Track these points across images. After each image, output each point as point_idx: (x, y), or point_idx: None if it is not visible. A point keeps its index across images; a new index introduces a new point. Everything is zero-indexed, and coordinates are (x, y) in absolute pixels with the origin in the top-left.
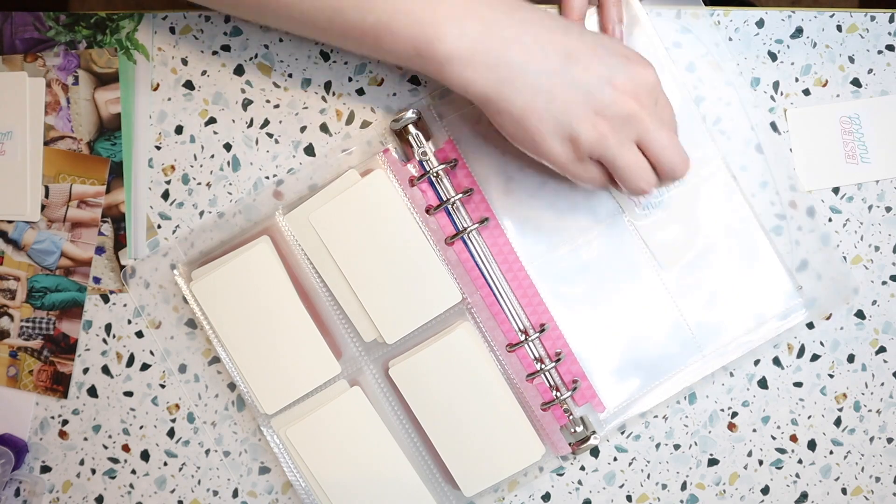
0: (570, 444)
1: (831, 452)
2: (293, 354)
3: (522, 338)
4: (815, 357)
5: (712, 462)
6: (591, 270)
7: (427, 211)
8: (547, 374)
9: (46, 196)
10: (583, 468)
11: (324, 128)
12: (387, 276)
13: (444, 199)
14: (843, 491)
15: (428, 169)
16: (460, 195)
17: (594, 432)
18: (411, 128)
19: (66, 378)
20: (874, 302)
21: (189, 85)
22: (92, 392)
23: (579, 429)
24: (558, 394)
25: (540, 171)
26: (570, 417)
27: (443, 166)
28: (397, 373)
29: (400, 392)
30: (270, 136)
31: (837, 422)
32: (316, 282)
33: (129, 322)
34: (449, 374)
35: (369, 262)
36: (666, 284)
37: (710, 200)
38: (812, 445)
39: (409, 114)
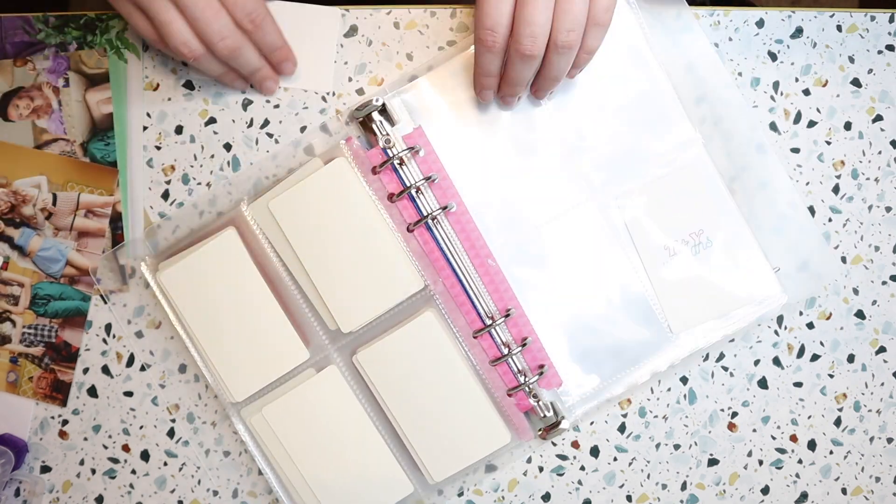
0: (540, 430)
1: (831, 452)
2: (261, 342)
3: (488, 322)
4: (815, 357)
5: (712, 462)
6: (563, 255)
7: (389, 198)
8: (513, 359)
9: (54, 204)
10: (583, 468)
11: (324, 128)
12: (346, 264)
13: (407, 185)
14: (843, 491)
15: (391, 156)
16: (422, 180)
17: (563, 417)
18: (375, 115)
19: (66, 386)
20: (874, 302)
21: (189, 85)
22: (92, 392)
23: (549, 414)
24: (524, 379)
25: (509, 156)
26: (539, 403)
27: (405, 151)
28: (362, 359)
29: (366, 383)
30: (270, 136)
31: (837, 422)
32: (282, 271)
33: (129, 322)
34: (413, 361)
35: (328, 250)
36: (637, 267)
37: (689, 185)
38: (812, 445)
39: (374, 102)
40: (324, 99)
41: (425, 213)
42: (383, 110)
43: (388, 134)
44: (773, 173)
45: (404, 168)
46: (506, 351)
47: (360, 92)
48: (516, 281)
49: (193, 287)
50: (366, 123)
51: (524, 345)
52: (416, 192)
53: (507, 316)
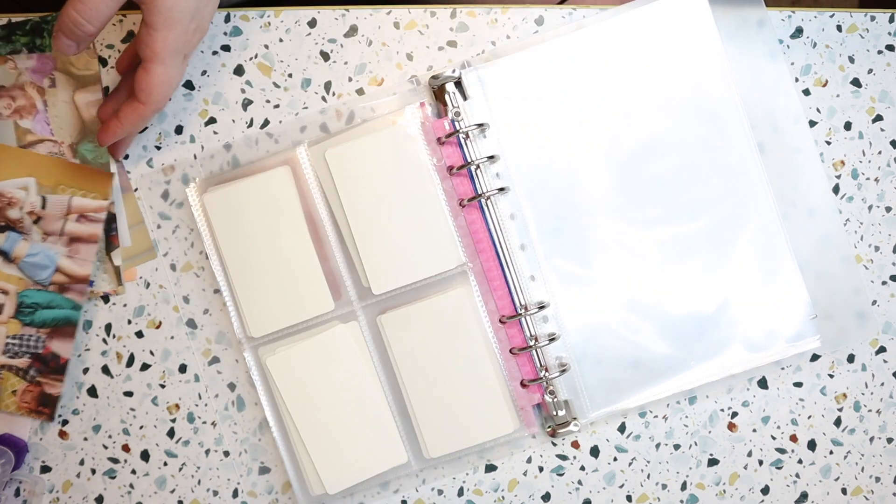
0: (549, 427)
1: (831, 452)
2: (290, 284)
3: (522, 312)
4: (815, 357)
5: (712, 462)
6: (612, 260)
7: (448, 170)
8: (538, 352)
9: (43, 207)
10: (583, 468)
11: (324, 128)
12: (390, 226)
13: (469, 160)
14: (843, 491)
15: (458, 128)
16: (483, 159)
17: (575, 418)
18: (449, 86)
19: (54, 400)
20: (874, 302)
21: (189, 85)
22: (92, 392)
23: (561, 412)
24: (546, 374)
25: (575, 154)
26: (555, 400)
27: (473, 126)
28: (386, 321)
29: (384, 345)
30: (270, 136)
31: (837, 422)
32: (327, 221)
33: (129, 322)
34: (436, 334)
35: (376, 209)
36: (684, 288)
37: (745, 213)
38: (812, 445)
39: (449, 72)
40: (324, 99)
41: (480, 192)
42: (458, 83)
43: (458, 107)
44: (831, 224)
45: (468, 143)
46: (532, 343)
47: (360, 92)
48: (559, 272)
49: (234, 214)
50: (439, 94)
51: (552, 340)
52: (476, 169)
53: (542, 308)
